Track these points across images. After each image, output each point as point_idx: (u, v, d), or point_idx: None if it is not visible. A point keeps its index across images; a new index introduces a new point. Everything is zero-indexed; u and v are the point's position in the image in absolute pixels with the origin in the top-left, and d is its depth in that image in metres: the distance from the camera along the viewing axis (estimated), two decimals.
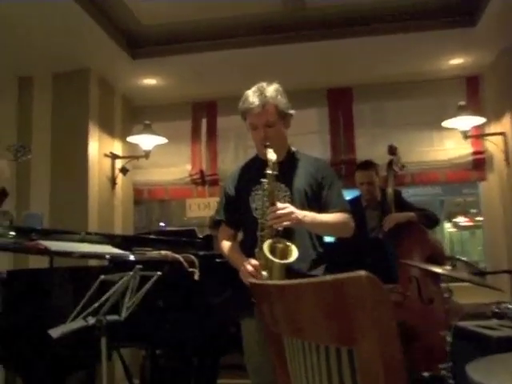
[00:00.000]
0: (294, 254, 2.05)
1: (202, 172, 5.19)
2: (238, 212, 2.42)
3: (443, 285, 3.00)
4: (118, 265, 2.51)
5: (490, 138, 4.66)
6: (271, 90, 2.24)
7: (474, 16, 4.06)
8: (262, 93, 2.22)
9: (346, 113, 5.01)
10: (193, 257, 2.70)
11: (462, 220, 17.52)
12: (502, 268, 4.51)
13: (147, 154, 4.87)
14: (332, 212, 2.30)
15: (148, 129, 4.74)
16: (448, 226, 18.24)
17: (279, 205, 2.12)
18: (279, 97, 2.25)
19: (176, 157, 5.31)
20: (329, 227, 2.29)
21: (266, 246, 2.05)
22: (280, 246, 2.11)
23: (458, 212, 17.84)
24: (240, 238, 2.54)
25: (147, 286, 2.26)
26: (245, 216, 2.38)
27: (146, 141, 4.83)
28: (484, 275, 4.56)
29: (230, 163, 5.20)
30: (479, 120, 4.50)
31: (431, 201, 16.58)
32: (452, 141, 4.85)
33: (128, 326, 2.24)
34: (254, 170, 2.40)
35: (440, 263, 3.38)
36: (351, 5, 4.07)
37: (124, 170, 4.91)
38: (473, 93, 4.88)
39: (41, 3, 3.49)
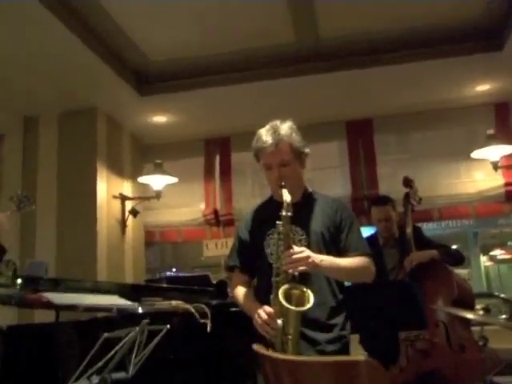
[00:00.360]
0: (311, 300, 2.03)
1: (216, 212, 5.21)
2: (252, 257, 2.41)
3: (476, 329, 2.93)
4: (126, 317, 2.50)
5: None
6: (285, 127, 2.25)
7: (500, 39, 4.06)
8: (275, 131, 2.23)
9: (367, 145, 5.03)
10: (205, 307, 2.67)
11: (498, 253, 17.24)
12: None
13: (158, 195, 4.90)
14: (351, 256, 2.28)
15: (159, 168, 4.79)
16: (484, 260, 17.95)
17: (295, 248, 2.11)
18: (294, 135, 2.25)
19: (189, 196, 5.35)
20: (348, 272, 2.26)
21: (281, 292, 2.04)
22: (296, 292, 2.09)
23: (494, 244, 17.57)
24: (254, 285, 2.53)
25: (155, 340, 2.23)
26: (259, 261, 2.36)
27: (156, 181, 4.87)
28: None
29: (246, 202, 5.20)
30: (510, 149, 4.46)
31: (464, 233, 16.41)
32: (481, 172, 4.81)
33: (136, 383, 2.22)
34: (268, 212, 2.38)
35: (469, 305, 3.31)
36: (368, 33, 4.10)
37: (134, 212, 4.94)
38: (502, 120, 4.85)
39: (47, 42, 3.59)
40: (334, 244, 2.29)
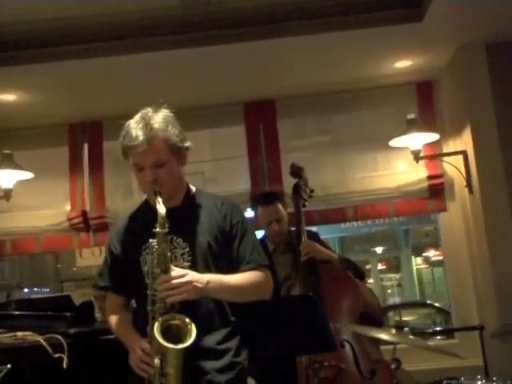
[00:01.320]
0: (193, 334, 2.06)
1: (84, 214, 5.11)
2: (127, 275, 2.42)
3: (387, 347, 3.08)
4: None
5: (448, 158, 4.85)
6: (159, 119, 2.26)
7: (420, 8, 4.22)
8: (146, 124, 2.22)
9: (269, 131, 5.12)
10: (60, 337, 2.65)
11: (432, 254, 18.18)
12: (472, 316, 4.69)
13: (8, 194, 4.74)
14: (245, 269, 2.33)
15: (7, 160, 4.63)
16: (416, 262, 18.84)
17: (173, 272, 2.13)
18: (170, 127, 2.27)
19: (49, 196, 5.23)
20: (240, 291, 2.32)
21: (156, 328, 2.06)
22: (176, 322, 2.12)
23: (427, 244, 18.50)
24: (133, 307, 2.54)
25: None
26: (136, 282, 2.37)
27: (5, 176, 4.71)
28: (449, 333, 4.74)
29: (122, 201, 5.17)
30: (433, 136, 4.68)
31: (393, 232, 17.15)
32: (402, 163, 5.05)
33: None
34: (143, 221, 2.40)
35: (378, 321, 3.48)
36: None
37: None
38: (425, 102, 5.10)
39: None
40: (223, 256, 2.35)
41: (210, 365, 2.24)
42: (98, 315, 3.79)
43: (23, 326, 2.85)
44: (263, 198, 3.94)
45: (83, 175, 5.25)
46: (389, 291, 17.93)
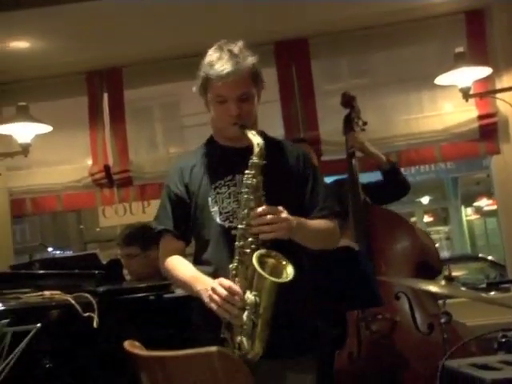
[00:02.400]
0: (290, 272, 2.10)
1: (107, 169, 5.18)
2: (189, 218, 2.47)
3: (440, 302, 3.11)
4: None
5: (501, 95, 4.75)
6: (243, 51, 2.32)
7: None
8: (235, 55, 2.28)
9: (302, 73, 5.09)
10: (89, 296, 2.71)
11: (484, 203, 17.94)
12: None
13: (26, 149, 4.80)
14: (316, 217, 2.39)
15: (24, 113, 4.67)
16: (467, 213, 18.63)
17: (270, 207, 2.17)
18: (254, 60, 2.34)
19: (69, 150, 5.30)
20: (316, 238, 2.39)
21: (255, 258, 2.09)
22: (271, 260, 2.16)
23: (478, 192, 18.24)
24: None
25: (22, 344, 2.26)
26: (203, 224, 2.43)
27: (22, 130, 4.75)
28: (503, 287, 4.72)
29: (147, 154, 5.22)
30: (485, 71, 4.59)
31: (440, 180, 16.92)
32: (450, 103, 4.98)
33: None
34: (212, 159, 2.47)
35: (435, 270, 3.50)
36: None
37: None
38: (475, 34, 4.97)
39: None
40: (295, 199, 2.40)
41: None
42: (125, 273, 3.89)
43: (50, 286, 2.90)
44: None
45: (104, 127, 5.29)
46: (437, 245, 17.90)
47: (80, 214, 11.32)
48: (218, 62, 2.27)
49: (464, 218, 17.82)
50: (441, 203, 17.95)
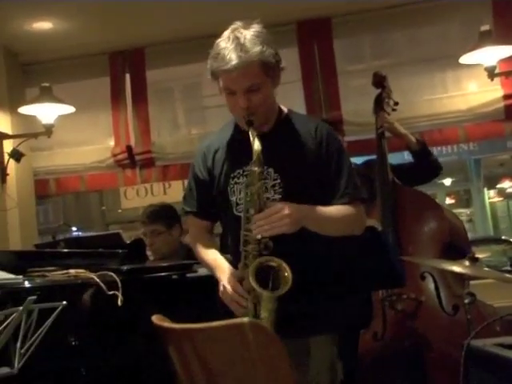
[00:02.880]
0: (289, 280, 2.08)
1: (129, 149, 5.20)
2: (213, 201, 2.48)
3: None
4: (6, 295, 2.53)
5: None
6: (252, 37, 2.20)
7: None
8: (240, 44, 2.17)
9: (325, 52, 5.07)
10: (113, 274, 2.73)
11: (508, 185, 17.76)
12: None
13: (49, 130, 4.84)
14: (339, 202, 2.34)
15: (47, 93, 4.70)
16: (490, 195, 18.48)
17: (268, 210, 2.15)
18: (265, 48, 2.20)
19: (91, 130, 5.34)
20: (334, 225, 2.34)
21: (251, 272, 2.09)
22: (271, 266, 2.14)
23: (501, 174, 18.06)
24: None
25: (47, 322, 2.29)
26: (223, 210, 2.44)
27: (45, 111, 4.78)
28: None
29: (169, 135, 5.24)
30: (511, 50, 4.54)
31: (462, 162, 16.80)
32: (474, 82, 4.94)
33: (25, 379, 2.28)
34: (231, 147, 2.44)
35: (464, 250, 3.48)
36: None
37: (17, 155, 4.88)
38: (500, 11, 4.90)
39: None
40: (317, 187, 2.35)
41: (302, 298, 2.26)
42: (148, 253, 3.91)
43: (75, 264, 2.93)
44: None
45: (126, 108, 5.31)
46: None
47: (102, 195, 11.39)
48: (222, 53, 2.18)
49: (487, 200, 17.67)
50: (463, 185, 17.80)
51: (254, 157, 2.16)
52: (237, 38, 2.18)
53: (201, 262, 2.54)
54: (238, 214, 2.31)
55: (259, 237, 2.13)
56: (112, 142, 5.32)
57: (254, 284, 2.07)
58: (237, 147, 2.38)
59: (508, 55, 4.55)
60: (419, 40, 5.16)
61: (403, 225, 3.50)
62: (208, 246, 2.49)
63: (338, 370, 2.42)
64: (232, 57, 2.15)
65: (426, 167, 3.87)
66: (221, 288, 2.26)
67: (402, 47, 5.26)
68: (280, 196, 2.29)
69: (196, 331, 1.22)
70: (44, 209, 9.09)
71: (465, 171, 16.95)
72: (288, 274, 2.10)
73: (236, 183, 2.34)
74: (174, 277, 3.18)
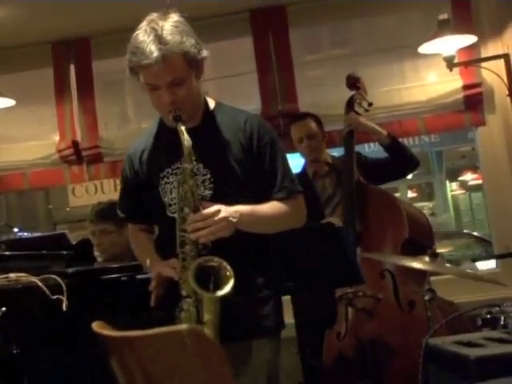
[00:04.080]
0: (231, 280, 2.09)
1: (76, 145, 5.14)
2: (145, 204, 2.50)
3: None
4: None
5: (486, 64, 4.74)
6: (171, 28, 2.20)
7: None
8: (158, 36, 2.17)
9: (280, 42, 5.06)
10: (57, 278, 2.69)
11: (470, 177, 18.05)
12: None
13: None
14: (276, 198, 2.36)
15: None
16: (452, 188, 18.76)
17: (204, 211, 2.16)
18: (185, 37, 2.21)
19: (34, 125, 5.28)
20: (274, 223, 2.37)
21: (191, 273, 2.09)
22: (212, 266, 2.15)
23: (463, 167, 18.34)
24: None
25: None
26: (156, 213, 2.44)
27: None
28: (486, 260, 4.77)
29: (118, 128, 5.18)
30: (470, 39, 4.57)
31: (424, 154, 17.01)
32: (433, 73, 5.00)
33: None
34: (158, 144, 2.44)
35: (427, 246, 3.54)
36: None
37: None
38: (459, 1, 4.96)
39: None
40: (250, 183, 2.37)
41: (237, 300, 2.28)
42: (96, 253, 3.87)
43: (16, 268, 2.89)
44: (294, 116, 4.24)
45: (71, 101, 5.24)
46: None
47: (48, 193, 11.25)
48: (140, 47, 2.17)
49: (449, 193, 17.94)
50: (425, 178, 18.03)
51: (185, 153, 2.15)
52: (154, 30, 2.18)
53: (140, 263, 2.57)
54: (172, 215, 2.31)
55: (201, 240, 2.14)
56: (57, 137, 5.23)
57: (194, 286, 2.07)
58: (164, 146, 2.39)
59: (467, 44, 4.61)
60: (378, 29, 5.20)
61: (364, 222, 3.59)
62: (141, 241, 2.56)
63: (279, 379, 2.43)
64: (151, 49, 2.15)
65: (400, 161, 3.94)
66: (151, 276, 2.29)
67: (360, 36, 5.31)
68: (211, 192, 2.31)
69: (136, 339, 1.23)
70: None
71: (426, 164, 17.16)
72: (229, 273, 2.10)
73: (166, 183, 2.34)
74: (124, 279, 3.15)
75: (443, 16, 4.45)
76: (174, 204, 2.29)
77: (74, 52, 5.25)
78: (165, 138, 2.40)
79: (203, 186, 2.29)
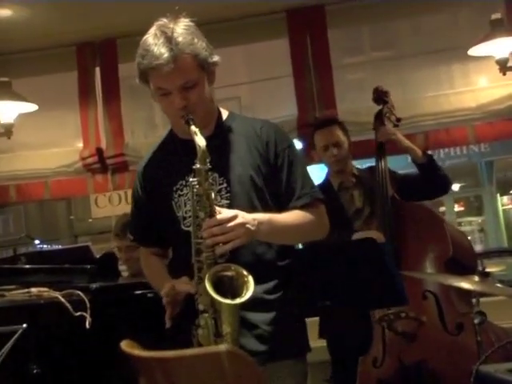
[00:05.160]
0: (251, 287, 2.08)
1: (100, 152, 5.19)
2: (157, 225, 2.49)
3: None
4: None
5: None
6: (181, 30, 2.23)
7: None
8: (169, 38, 2.19)
9: (318, 44, 5.07)
10: (81, 293, 2.71)
11: None
12: None
13: (8, 130, 4.83)
14: (296, 206, 2.35)
15: (6, 89, 4.70)
16: (503, 202, 18.60)
17: (220, 215, 2.14)
18: (196, 40, 2.24)
19: (57, 132, 5.32)
20: (295, 233, 2.36)
21: (208, 280, 2.07)
22: (229, 274, 2.13)
23: None
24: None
25: (6, 347, 2.28)
26: (170, 229, 2.44)
27: (4, 109, 4.78)
28: None
29: (144, 135, 5.21)
30: None
31: (472, 165, 16.89)
32: (484, 77, 4.96)
33: None
34: (169, 157, 2.44)
35: (469, 267, 3.51)
36: None
37: None
38: None
39: None
40: (269, 191, 2.37)
41: (258, 317, 2.28)
42: (122, 268, 3.89)
43: (37, 282, 2.91)
44: (318, 122, 4.14)
45: (96, 106, 5.30)
46: (468, 238, 17.75)
47: (70, 203, 11.33)
48: (150, 50, 2.17)
49: (500, 208, 17.72)
50: (473, 191, 17.81)
51: (199, 154, 2.13)
52: (164, 33, 2.19)
53: (154, 287, 2.53)
54: (187, 228, 2.31)
55: (219, 251, 2.12)
56: (80, 144, 5.29)
57: (211, 292, 2.05)
58: (176, 158, 2.38)
59: None
60: (424, 30, 5.19)
61: (403, 240, 3.54)
62: (154, 265, 2.53)
63: None
64: (162, 51, 2.16)
65: (433, 182, 3.90)
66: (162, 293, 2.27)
67: (404, 38, 5.28)
68: (228, 201, 2.31)
69: (169, 360, 1.21)
70: (3, 219, 9.05)
71: (475, 175, 16.96)
72: (248, 279, 2.09)
73: (180, 195, 2.35)
74: (150, 295, 3.16)
75: (496, 16, 4.45)
76: (189, 217, 2.29)
77: (99, 54, 5.33)
78: (176, 150, 2.40)
79: (219, 196, 2.30)
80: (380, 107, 3.92)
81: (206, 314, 2.12)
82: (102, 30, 5.21)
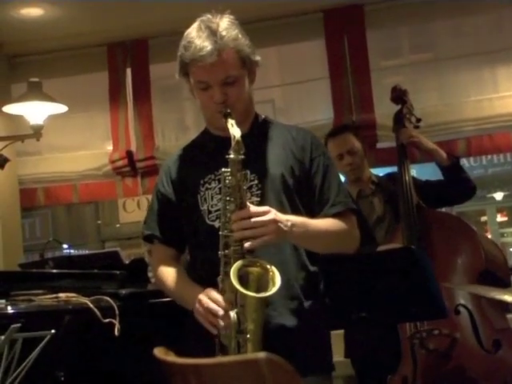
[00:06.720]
0: (277, 281, 2.08)
1: (130, 155, 5.23)
2: (179, 222, 2.49)
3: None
4: None
5: None
6: (227, 25, 2.27)
7: None
8: (214, 31, 2.23)
9: (356, 45, 5.08)
10: (110, 300, 2.73)
11: None
12: None
13: (37, 132, 4.86)
14: (328, 214, 2.36)
15: (36, 90, 4.72)
16: None
17: (252, 208, 2.16)
18: (240, 36, 2.28)
19: (86, 133, 5.36)
20: (327, 240, 2.36)
21: (233, 272, 2.08)
22: (255, 269, 2.14)
23: None
24: (186, 260, 2.62)
25: (34, 353, 2.30)
26: (192, 225, 2.45)
27: (33, 110, 4.80)
28: None
29: (175, 138, 5.23)
30: None
31: (504, 174, 16.68)
32: None
33: None
34: (201, 153, 2.48)
35: (502, 281, 3.47)
36: None
37: (0, 160, 4.92)
38: None
39: None
40: (300, 194, 2.39)
41: (287, 322, 2.28)
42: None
43: (65, 287, 2.94)
44: (331, 130, 4.11)
45: (127, 107, 5.35)
46: (511, 249, 17.57)
47: (97, 207, 11.41)
48: (194, 43, 2.22)
49: None
50: None
51: (233, 144, 2.15)
52: (209, 27, 2.24)
53: (168, 293, 2.54)
54: (211, 222, 2.33)
55: (247, 244, 2.11)
56: (110, 147, 5.35)
57: (236, 283, 2.05)
58: (207, 153, 2.42)
59: None
60: (465, 31, 5.15)
61: (431, 252, 3.48)
62: (177, 274, 2.49)
63: None
64: (206, 44, 2.20)
65: (457, 186, 3.86)
66: (195, 307, 2.23)
67: (445, 39, 5.25)
68: (258, 199, 2.32)
69: (205, 367, 1.22)
70: (30, 222, 9.12)
71: (507, 185, 16.81)
72: (274, 274, 2.09)
73: (207, 189, 2.37)
74: None
75: None
76: (215, 211, 2.32)
77: (130, 55, 5.37)
78: (209, 147, 2.44)
79: (250, 193, 2.31)
80: (399, 107, 3.89)
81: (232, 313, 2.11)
82: (133, 30, 5.25)
